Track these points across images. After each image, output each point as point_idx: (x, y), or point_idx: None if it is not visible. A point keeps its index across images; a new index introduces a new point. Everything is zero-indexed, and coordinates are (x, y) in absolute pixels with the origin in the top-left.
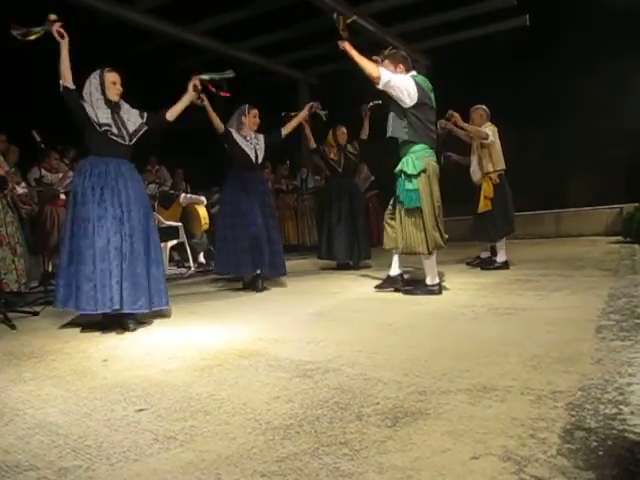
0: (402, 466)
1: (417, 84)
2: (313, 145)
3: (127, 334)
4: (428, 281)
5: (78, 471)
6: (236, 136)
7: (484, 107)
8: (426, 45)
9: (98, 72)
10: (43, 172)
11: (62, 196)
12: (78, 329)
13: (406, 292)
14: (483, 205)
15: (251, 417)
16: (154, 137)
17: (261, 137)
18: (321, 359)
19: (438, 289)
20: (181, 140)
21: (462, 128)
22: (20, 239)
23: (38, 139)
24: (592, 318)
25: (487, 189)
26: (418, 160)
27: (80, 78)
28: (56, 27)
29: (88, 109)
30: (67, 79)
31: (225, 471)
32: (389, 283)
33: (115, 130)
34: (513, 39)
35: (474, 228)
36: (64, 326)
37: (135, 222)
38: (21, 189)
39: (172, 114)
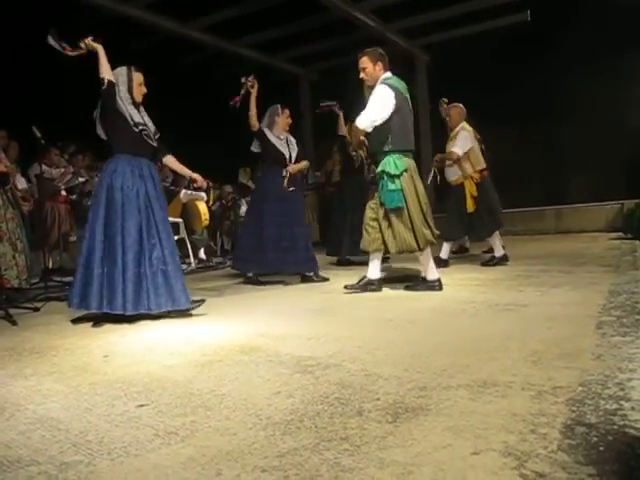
0: (403, 461)
1: (393, 89)
2: (343, 132)
3: (127, 330)
4: (428, 277)
5: (79, 466)
6: (269, 135)
7: (462, 106)
8: (426, 41)
9: (125, 70)
10: (44, 167)
11: (63, 192)
12: (78, 325)
13: (407, 288)
14: (471, 205)
15: (252, 412)
16: None
17: (293, 139)
18: (322, 355)
19: (438, 285)
20: (184, 137)
21: (442, 160)
22: (20, 235)
23: (38, 135)
24: (593, 314)
25: (472, 189)
26: (399, 160)
27: (82, 75)
28: (90, 43)
29: (122, 107)
30: (110, 74)
31: (226, 466)
32: (364, 285)
33: (148, 131)
34: (514, 35)
35: (464, 226)
36: (74, 321)
37: (160, 223)
38: (21, 185)
39: (168, 162)
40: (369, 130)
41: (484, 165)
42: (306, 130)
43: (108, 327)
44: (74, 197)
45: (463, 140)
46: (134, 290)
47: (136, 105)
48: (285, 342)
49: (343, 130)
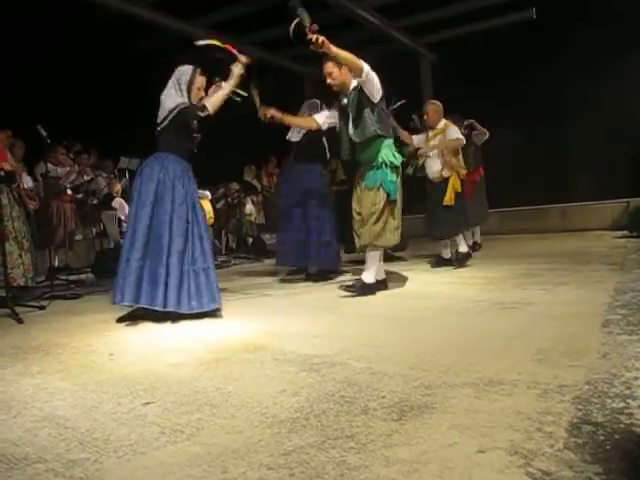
0: (408, 459)
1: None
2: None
3: (133, 328)
4: (366, 278)
5: (86, 464)
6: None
7: (439, 103)
8: (431, 39)
9: (191, 71)
10: (49, 166)
11: (68, 191)
12: (83, 322)
13: (346, 288)
14: (449, 199)
15: (257, 410)
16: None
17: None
18: (327, 353)
19: (376, 287)
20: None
21: (451, 149)
22: (27, 234)
23: (44, 134)
24: (598, 312)
25: (457, 184)
26: (397, 153)
27: (86, 73)
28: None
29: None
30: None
31: (232, 464)
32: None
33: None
34: (519, 34)
35: (440, 224)
36: (119, 320)
37: (201, 222)
38: (27, 184)
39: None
40: (362, 77)
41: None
42: None
43: (114, 326)
44: (80, 196)
45: (456, 130)
46: (176, 288)
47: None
48: (290, 340)
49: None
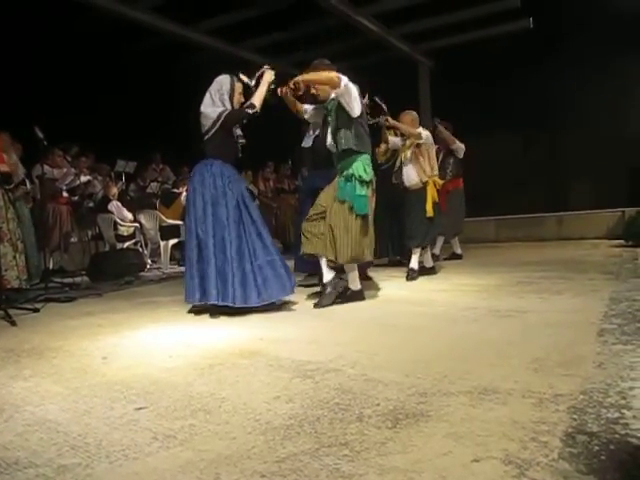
0: (403, 468)
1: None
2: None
3: (127, 332)
4: (353, 286)
5: (77, 469)
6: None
7: (414, 113)
8: (429, 46)
9: (229, 79)
10: (45, 168)
11: (64, 193)
12: (77, 326)
13: (341, 301)
14: (431, 210)
15: (251, 417)
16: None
17: None
18: (322, 359)
19: (362, 292)
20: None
21: (394, 127)
22: (21, 235)
23: (40, 136)
24: (594, 321)
25: (434, 194)
26: (369, 167)
27: (84, 76)
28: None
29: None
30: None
31: (225, 471)
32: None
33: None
34: (516, 42)
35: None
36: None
37: (257, 218)
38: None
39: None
40: (340, 88)
41: (436, 173)
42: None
43: (108, 329)
44: (76, 198)
45: (427, 134)
46: (241, 285)
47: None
48: (285, 346)
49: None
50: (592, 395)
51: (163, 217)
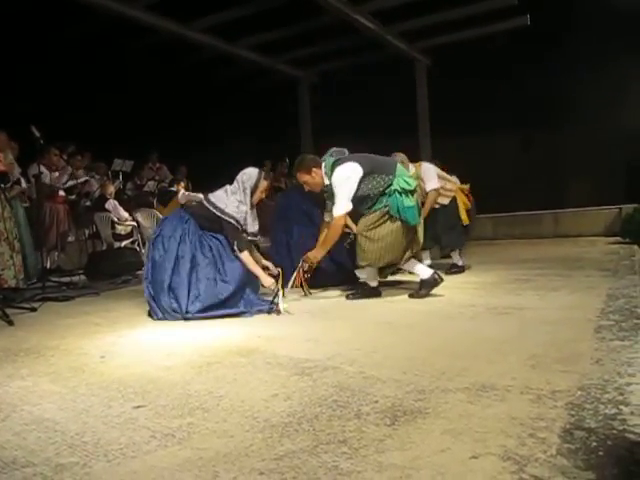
0: (401, 465)
1: (345, 167)
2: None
3: (125, 331)
4: (371, 282)
5: (75, 468)
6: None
7: (401, 154)
8: (426, 44)
9: (256, 174)
10: (42, 169)
11: (61, 193)
12: (74, 325)
13: (354, 297)
14: (465, 217)
15: (249, 415)
16: None
17: None
18: (320, 357)
19: (379, 290)
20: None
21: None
22: (18, 235)
23: (37, 135)
24: (591, 318)
25: (464, 200)
26: (408, 177)
27: (80, 74)
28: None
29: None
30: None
31: (223, 469)
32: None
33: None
34: (514, 39)
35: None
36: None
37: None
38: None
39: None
40: (349, 208)
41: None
42: (305, 131)
43: (106, 328)
44: (72, 197)
45: (430, 176)
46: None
47: (252, 207)
48: (283, 344)
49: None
50: (590, 391)
51: (160, 216)
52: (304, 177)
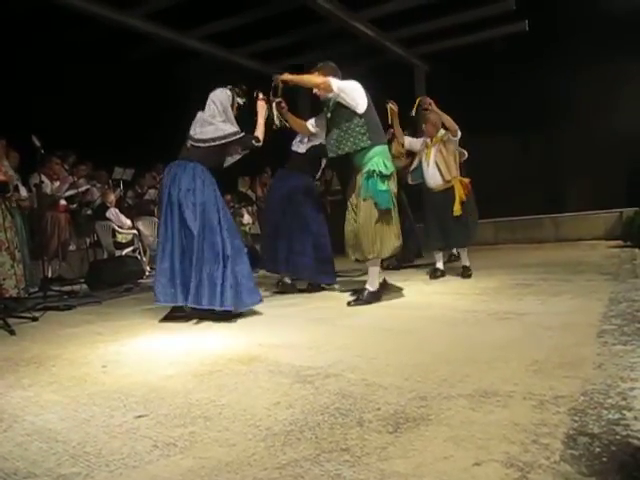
0: (404, 472)
1: (357, 83)
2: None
3: (127, 340)
4: (371, 287)
5: (77, 478)
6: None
7: (440, 111)
8: (424, 50)
9: (230, 93)
10: (43, 178)
11: (62, 202)
12: (77, 334)
13: (353, 304)
14: (458, 209)
15: (251, 423)
16: None
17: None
18: (321, 364)
19: (379, 294)
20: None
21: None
22: (19, 244)
23: (38, 144)
24: (593, 322)
25: (462, 193)
26: (388, 161)
27: (81, 84)
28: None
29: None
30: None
31: (225, 478)
32: (367, 299)
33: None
34: (512, 44)
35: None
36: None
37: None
38: (24, 192)
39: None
40: (334, 91)
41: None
42: None
43: (107, 337)
44: (74, 206)
45: (456, 142)
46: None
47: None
48: (284, 352)
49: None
50: (593, 396)
51: None
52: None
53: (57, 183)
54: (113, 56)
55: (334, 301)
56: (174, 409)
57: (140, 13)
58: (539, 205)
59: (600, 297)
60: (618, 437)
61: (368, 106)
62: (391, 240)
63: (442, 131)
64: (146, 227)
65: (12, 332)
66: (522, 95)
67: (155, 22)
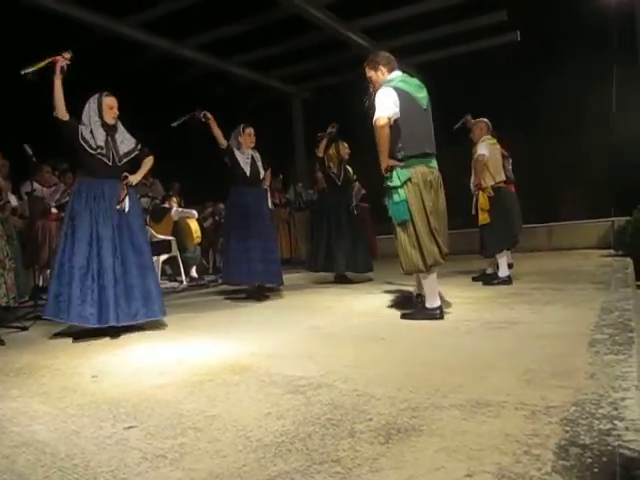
0: None
1: (399, 91)
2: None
3: (118, 349)
4: (427, 304)
5: None
6: (236, 153)
7: (486, 120)
8: (417, 60)
9: (97, 96)
10: (35, 185)
11: (53, 210)
12: (68, 343)
13: (404, 316)
14: (482, 218)
15: (242, 434)
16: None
17: (257, 155)
18: (313, 374)
19: (439, 313)
20: (177, 156)
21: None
22: (10, 253)
23: (30, 153)
24: (585, 332)
25: (483, 201)
26: (402, 169)
27: (74, 93)
28: (61, 62)
29: (85, 133)
30: (60, 111)
31: None
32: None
33: (107, 152)
34: (503, 54)
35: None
36: (53, 337)
37: (126, 240)
38: (12, 202)
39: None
40: (385, 120)
41: (503, 177)
42: (299, 147)
43: (99, 347)
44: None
45: (482, 146)
46: (94, 305)
47: (107, 127)
48: (276, 361)
49: (321, 152)
50: (584, 406)
51: (154, 232)
52: (370, 72)
53: (50, 190)
54: (107, 65)
55: (327, 310)
56: (164, 420)
57: (133, 22)
58: (532, 214)
59: (592, 306)
60: (609, 447)
61: (401, 116)
62: (412, 255)
63: (483, 138)
64: None
65: (2, 342)
66: (513, 105)
67: (148, 31)
